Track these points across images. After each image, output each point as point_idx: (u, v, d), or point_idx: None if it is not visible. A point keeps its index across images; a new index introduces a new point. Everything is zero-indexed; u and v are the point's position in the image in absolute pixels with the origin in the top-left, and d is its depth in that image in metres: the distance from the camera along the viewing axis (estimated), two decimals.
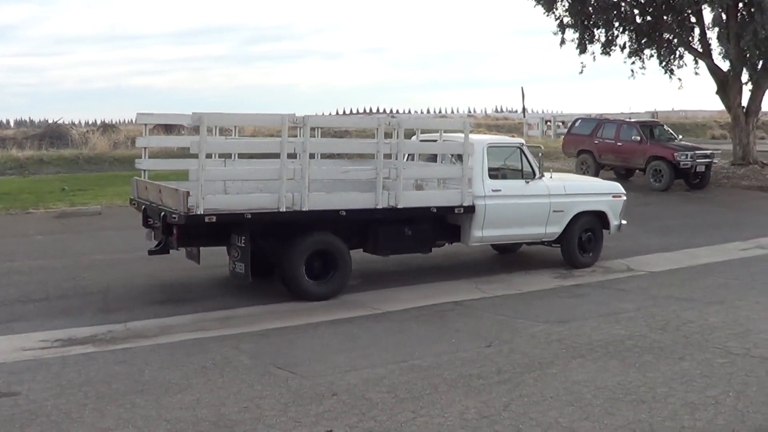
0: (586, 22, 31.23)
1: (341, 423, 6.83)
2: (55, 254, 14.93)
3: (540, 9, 31.44)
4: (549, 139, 43.49)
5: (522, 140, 14.65)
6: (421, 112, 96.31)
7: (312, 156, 11.93)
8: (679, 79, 32.50)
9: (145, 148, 13.18)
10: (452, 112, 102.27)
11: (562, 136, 34.70)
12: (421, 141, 13.98)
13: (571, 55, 71.57)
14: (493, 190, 13.01)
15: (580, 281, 12.99)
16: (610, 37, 31.82)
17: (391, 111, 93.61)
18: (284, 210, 11.10)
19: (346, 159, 14.61)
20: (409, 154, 13.28)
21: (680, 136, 29.10)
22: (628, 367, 8.30)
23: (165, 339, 9.51)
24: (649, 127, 28.52)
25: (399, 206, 12.03)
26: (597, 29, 31.66)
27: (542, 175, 13.75)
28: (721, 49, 29.99)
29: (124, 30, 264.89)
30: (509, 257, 14.94)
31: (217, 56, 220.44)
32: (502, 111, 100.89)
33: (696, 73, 32.48)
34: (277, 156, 11.27)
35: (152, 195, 11.84)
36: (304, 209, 11.24)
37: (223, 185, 12.42)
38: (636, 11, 31.45)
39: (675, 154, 26.00)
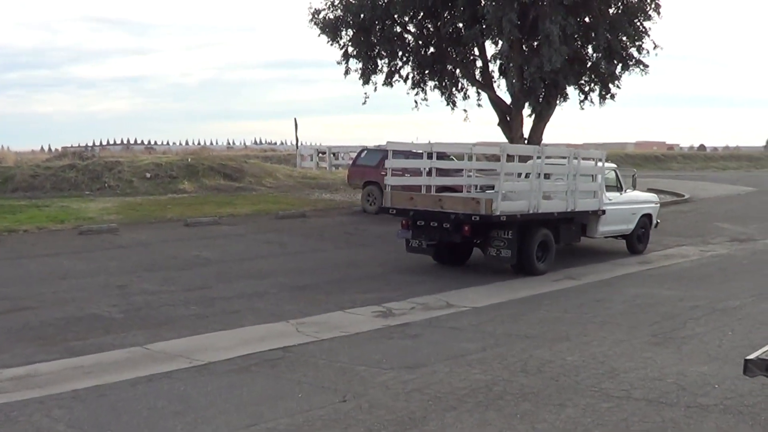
0: (369, 53, 31.01)
1: None
2: None
3: (324, 38, 30.99)
4: (324, 171, 41.85)
5: (615, 165, 20.85)
6: (180, 144, 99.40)
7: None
8: (465, 110, 32.81)
9: (389, 168, 17.79)
10: (211, 144, 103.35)
11: (343, 168, 34.04)
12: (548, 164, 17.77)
13: (355, 85, 71.82)
14: (608, 200, 18.81)
15: (403, 320, 12.16)
16: (393, 68, 31.77)
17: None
18: (531, 212, 16.09)
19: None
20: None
21: None
22: (509, 419, 7.47)
23: None
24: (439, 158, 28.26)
25: (576, 210, 17.53)
26: (381, 60, 31.51)
27: (625, 189, 20.06)
28: (505, 81, 30.29)
29: None
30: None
31: None
32: (260, 143, 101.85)
33: (479, 105, 32.88)
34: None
35: (424, 203, 16.50)
36: (540, 212, 16.33)
37: (504, 195, 16.18)
38: (420, 42, 31.51)
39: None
